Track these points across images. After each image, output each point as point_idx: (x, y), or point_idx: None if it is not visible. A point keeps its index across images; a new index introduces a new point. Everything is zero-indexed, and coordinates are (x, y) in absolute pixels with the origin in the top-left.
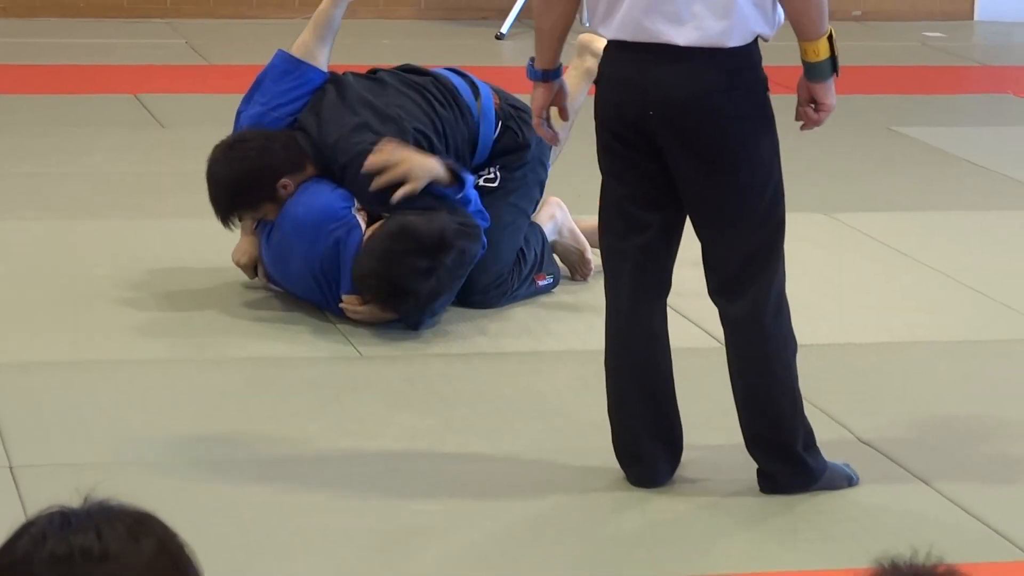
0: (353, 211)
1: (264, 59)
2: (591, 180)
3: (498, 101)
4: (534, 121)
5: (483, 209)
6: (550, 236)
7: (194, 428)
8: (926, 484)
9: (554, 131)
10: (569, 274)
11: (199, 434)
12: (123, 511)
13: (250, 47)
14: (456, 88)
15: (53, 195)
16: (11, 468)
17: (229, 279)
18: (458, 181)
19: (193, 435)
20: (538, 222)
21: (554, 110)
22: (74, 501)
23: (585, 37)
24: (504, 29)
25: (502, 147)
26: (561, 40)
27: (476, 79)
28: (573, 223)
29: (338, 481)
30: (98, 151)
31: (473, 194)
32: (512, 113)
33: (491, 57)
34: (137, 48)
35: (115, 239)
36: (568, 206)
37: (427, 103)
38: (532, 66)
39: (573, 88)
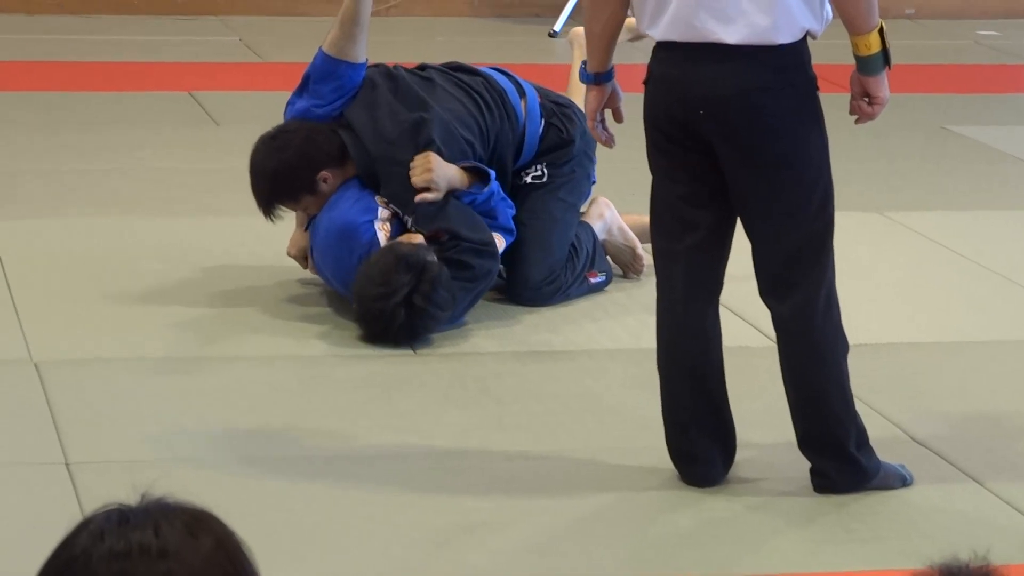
0: (376, 226)
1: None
2: (642, 180)
3: (541, 99)
4: (588, 124)
5: (511, 227)
6: (600, 235)
7: (246, 425)
8: (980, 484)
9: (609, 133)
10: (622, 272)
11: (252, 431)
12: (180, 508)
13: (304, 44)
14: (504, 90)
15: (106, 192)
16: (67, 465)
17: (281, 276)
18: (481, 178)
19: (246, 432)
20: (588, 221)
21: (609, 112)
22: (131, 498)
23: (575, 33)
24: (557, 27)
25: (547, 144)
26: (612, 43)
27: (520, 79)
28: (622, 221)
29: (390, 478)
30: (151, 148)
31: (496, 186)
32: (555, 110)
33: (543, 55)
34: (191, 45)
35: (168, 236)
36: (619, 206)
37: (475, 105)
38: (584, 69)
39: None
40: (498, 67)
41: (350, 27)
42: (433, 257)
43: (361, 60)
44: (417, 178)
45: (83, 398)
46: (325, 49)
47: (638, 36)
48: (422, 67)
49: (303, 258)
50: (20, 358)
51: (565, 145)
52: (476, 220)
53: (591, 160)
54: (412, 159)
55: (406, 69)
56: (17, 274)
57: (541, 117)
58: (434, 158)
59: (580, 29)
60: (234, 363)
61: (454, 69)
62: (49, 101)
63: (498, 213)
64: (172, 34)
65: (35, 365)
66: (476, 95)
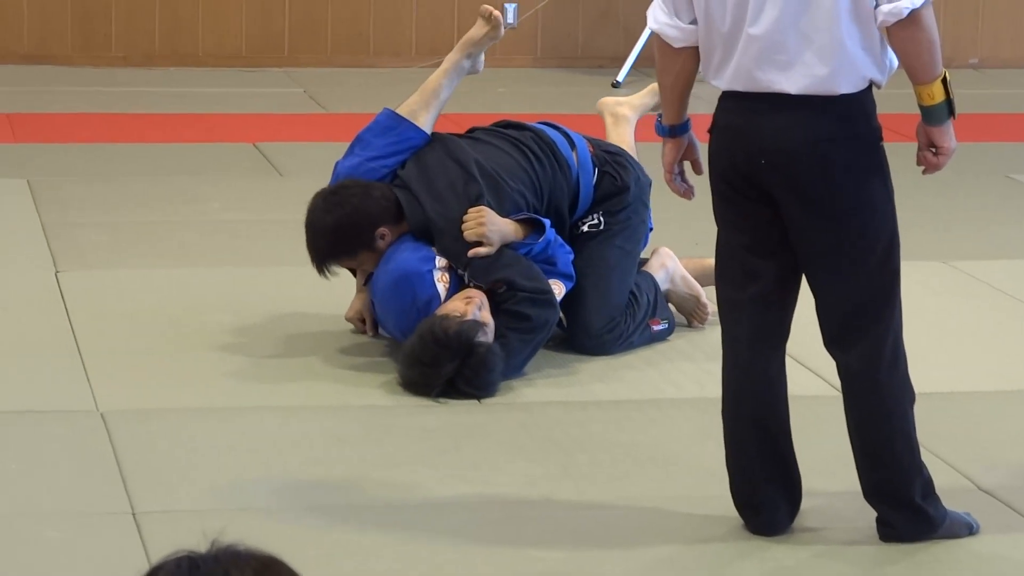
0: (435, 277)
1: (381, 107)
2: (705, 229)
3: (592, 149)
4: (665, 176)
5: (571, 272)
6: (663, 285)
7: (314, 474)
8: None
9: (688, 185)
10: (686, 321)
11: (318, 480)
12: (250, 555)
13: (367, 95)
14: (553, 141)
15: (171, 242)
16: (134, 514)
17: (346, 326)
18: (536, 228)
19: (312, 481)
20: (650, 271)
21: (687, 164)
22: (200, 546)
23: (602, 104)
24: (620, 77)
25: (602, 193)
26: (685, 95)
27: (569, 130)
28: (684, 271)
29: (456, 528)
30: (216, 199)
31: (552, 234)
32: (607, 158)
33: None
34: (255, 97)
35: (233, 286)
36: (682, 256)
37: (525, 158)
38: (660, 122)
39: (629, 141)
40: (546, 120)
41: (429, 97)
42: (483, 337)
43: (426, 129)
44: (470, 232)
45: (149, 448)
46: (394, 109)
47: (658, 105)
48: (471, 131)
49: (360, 320)
50: (87, 408)
51: (620, 192)
52: (532, 269)
53: (646, 206)
54: (464, 214)
55: (454, 134)
56: (83, 325)
57: (594, 166)
58: (486, 212)
59: (608, 100)
60: (300, 412)
61: (502, 127)
62: (115, 152)
63: (557, 259)
64: (236, 85)
65: (101, 415)
66: (526, 148)
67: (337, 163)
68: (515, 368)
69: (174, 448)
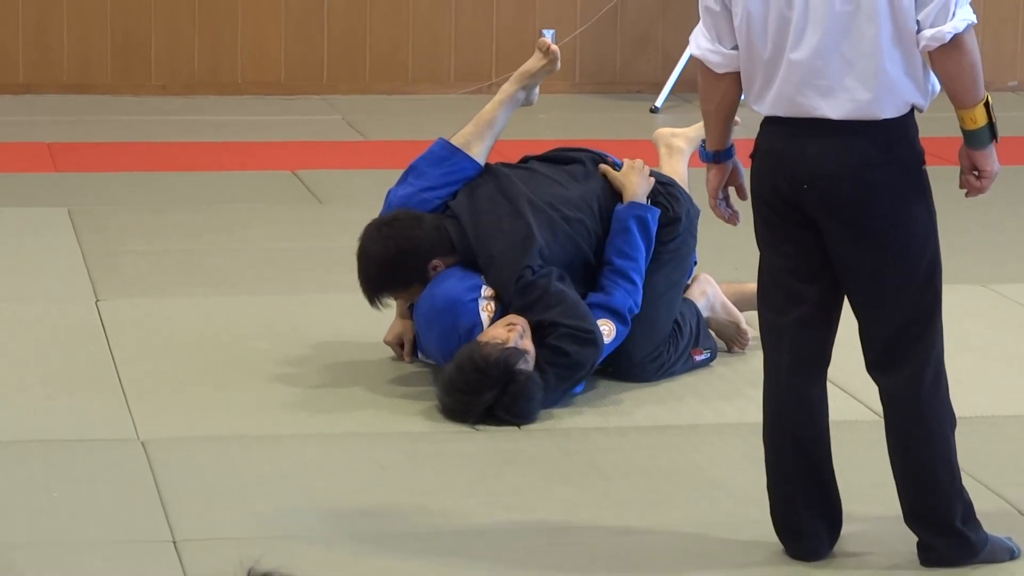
0: (480, 304)
1: (420, 134)
2: (746, 255)
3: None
4: (709, 202)
5: (624, 311)
6: (703, 312)
7: (354, 502)
8: None
9: (733, 210)
10: (727, 347)
11: (359, 508)
12: None
13: (406, 122)
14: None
15: (213, 270)
16: (175, 543)
17: (386, 353)
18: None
19: (353, 509)
20: (690, 299)
21: (732, 189)
22: (238, 573)
23: (658, 135)
24: (658, 103)
25: None
26: (729, 120)
27: (618, 160)
28: (724, 297)
29: (498, 554)
30: (257, 227)
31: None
32: (660, 189)
33: (646, 130)
34: (294, 124)
35: (274, 314)
36: (726, 280)
37: (581, 187)
38: (704, 148)
39: (682, 173)
40: (595, 151)
41: (484, 128)
42: (525, 364)
43: (479, 160)
44: (501, 331)
45: (190, 476)
46: (448, 139)
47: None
48: (524, 160)
49: (399, 344)
50: (127, 437)
51: (671, 223)
52: (579, 307)
53: (694, 236)
54: (509, 249)
55: (508, 165)
56: (124, 353)
57: (647, 197)
58: (520, 325)
59: (663, 131)
60: (341, 440)
61: (554, 158)
62: (155, 181)
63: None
64: (276, 113)
65: (142, 443)
66: (581, 175)
67: (390, 191)
68: (551, 403)
69: (215, 476)
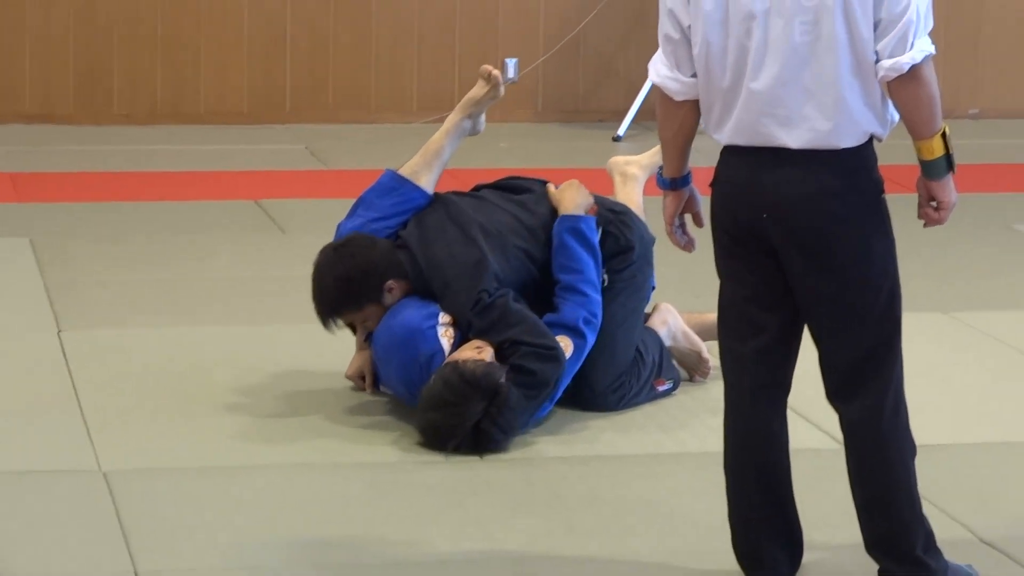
0: (439, 331)
1: (383, 163)
2: (707, 282)
3: (596, 208)
4: (666, 229)
5: (580, 327)
6: (666, 342)
7: (317, 532)
8: None
9: (689, 237)
10: (688, 376)
11: (322, 538)
12: None
13: (369, 151)
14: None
15: (176, 300)
16: (136, 574)
17: (348, 383)
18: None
19: (316, 539)
20: (652, 328)
21: (688, 217)
22: None
23: (612, 163)
24: (621, 131)
25: (607, 252)
26: (686, 148)
27: None
28: (686, 326)
29: None
30: (220, 256)
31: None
32: (612, 218)
33: (608, 159)
34: (257, 154)
35: (237, 343)
36: (684, 309)
37: (530, 217)
38: (660, 175)
39: (636, 200)
40: (545, 181)
41: (431, 158)
42: (503, 377)
43: (428, 190)
44: (472, 352)
45: (152, 507)
46: (396, 171)
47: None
48: (476, 188)
49: (360, 378)
50: (89, 468)
51: (624, 251)
52: (539, 326)
53: (650, 264)
54: (461, 275)
55: (458, 193)
56: (86, 384)
57: (598, 225)
58: (487, 352)
59: (617, 159)
60: (304, 470)
61: (506, 187)
62: (118, 211)
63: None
64: (239, 143)
65: (104, 475)
66: (530, 206)
67: (340, 224)
68: (520, 424)
69: (177, 507)
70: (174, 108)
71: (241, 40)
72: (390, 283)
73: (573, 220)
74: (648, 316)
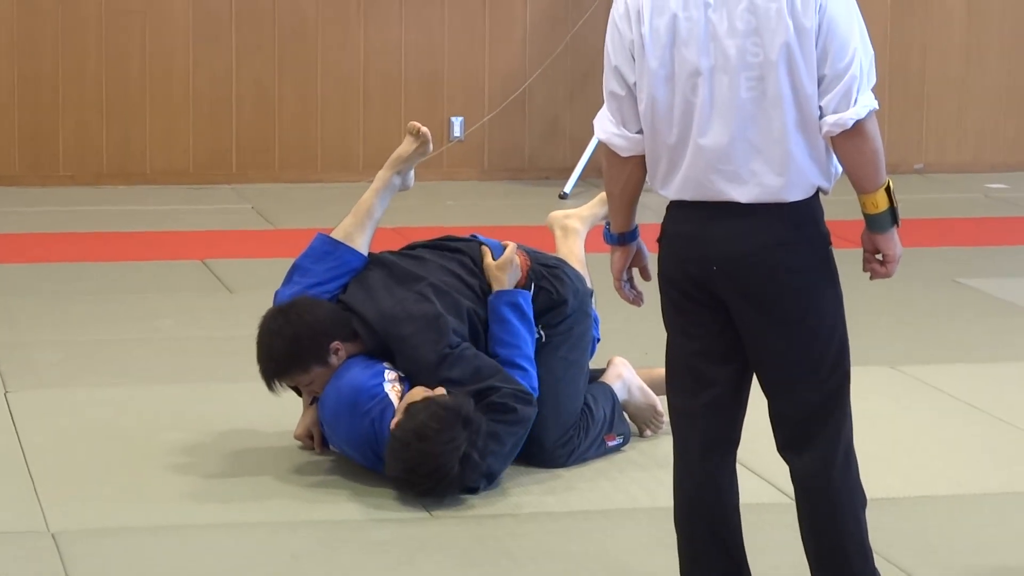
0: (385, 387)
1: (330, 222)
2: (656, 337)
3: (527, 265)
4: (614, 284)
5: (532, 387)
6: (620, 396)
7: None
8: None
9: (637, 292)
10: (638, 431)
11: None
12: None
13: (316, 210)
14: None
15: (123, 361)
16: None
17: (296, 442)
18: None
19: None
20: (607, 383)
21: (636, 271)
22: None
23: (552, 218)
24: (567, 188)
25: (540, 307)
26: (633, 203)
27: (499, 244)
28: (640, 381)
29: None
30: (167, 317)
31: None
32: (544, 272)
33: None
34: (203, 214)
35: (184, 404)
36: (635, 364)
37: (468, 272)
38: (608, 230)
39: (578, 254)
40: (478, 235)
41: (363, 218)
42: (473, 408)
43: (363, 252)
44: (422, 393)
45: (101, 568)
46: (329, 235)
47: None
48: (411, 247)
49: (308, 437)
50: (37, 529)
51: (557, 306)
52: (511, 375)
53: (588, 315)
54: (417, 331)
55: (394, 252)
56: (33, 444)
57: (530, 281)
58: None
59: (557, 213)
60: (254, 529)
61: (440, 245)
62: (64, 272)
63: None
64: (184, 203)
65: (52, 536)
66: (467, 265)
67: (277, 292)
68: (502, 458)
69: (127, 568)
70: (120, 169)
71: (187, 100)
72: (336, 344)
73: (510, 295)
74: (602, 371)
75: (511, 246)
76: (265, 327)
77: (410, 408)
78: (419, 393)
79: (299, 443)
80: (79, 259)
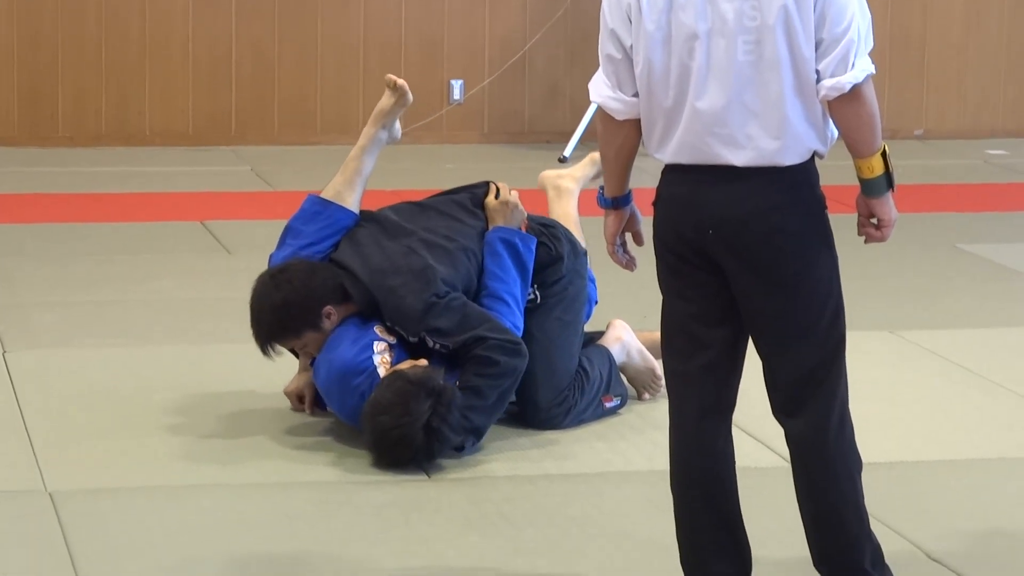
0: (375, 360)
1: (328, 184)
2: (653, 301)
3: (526, 223)
4: (607, 248)
5: (515, 325)
6: (619, 358)
7: (262, 552)
8: None
9: (630, 256)
10: (637, 394)
11: (267, 558)
12: None
13: (314, 172)
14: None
15: (121, 322)
16: None
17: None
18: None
19: (261, 559)
20: (605, 345)
21: (629, 235)
22: None
23: (544, 178)
24: (567, 152)
25: (538, 262)
26: (628, 167)
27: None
28: (640, 344)
29: None
30: (165, 278)
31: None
32: (541, 229)
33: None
34: (203, 175)
35: (182, 365)
36: (634, 327)
37: (469, 215)
38: (602, 194)
39: (572, 214)
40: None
41: (352, 176)
42: (445, 380)
43: (354, 210)
44: (405, 366)
45: (98, 527)
46: (319, 195)
47: (599, 174)
48: (407, 203)
49: (299, 399)
50: (35, 488)
51: (554, 262)
52: (500, 322)
53: (582, 277)
54: (406, 284)
55: (389, 207)
56: (31, 404)
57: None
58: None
59: (548, 173)
60: (249, 490)
61: (449, 192)
62: (62, 233)
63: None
64: (183, 164)
65: (50, 495)
66: (468, 204)
67: (271, 256)
68: (486, 412)
69: (123, 528)
70: (119, 130)
71: (186, 62)
72: (328, 309)
73: (509, 232)
74: (601, 334)
75: (514, 191)
76: (257, 293)
77: (380, 382)
78: (404, 367)
79: (290, 403)
80: (77, 220)
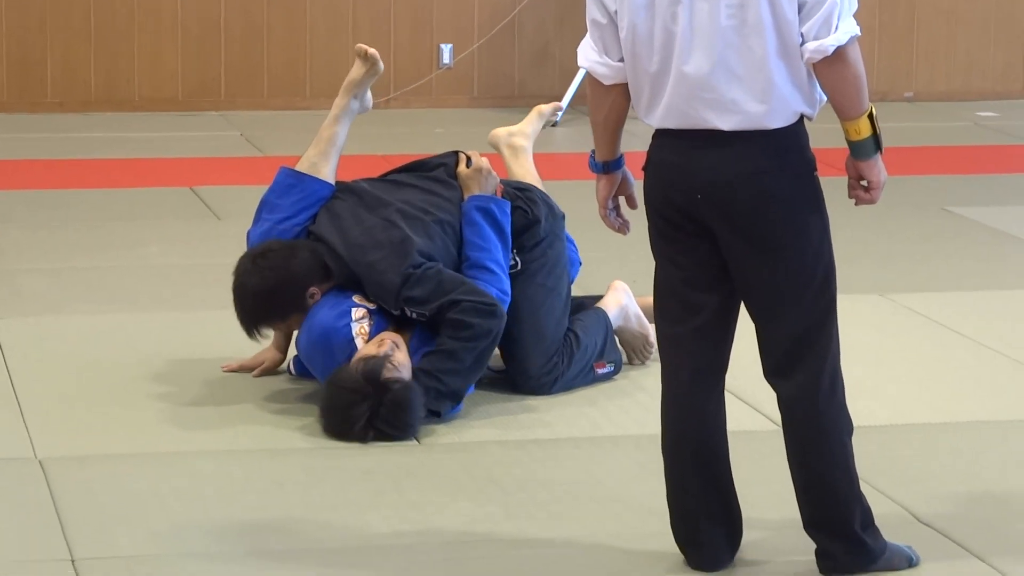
0: (353, 329)
1: None
2: (645, 266)
3: (501, 188)
4: (600, 212)
5: (502, 290)
6: (616, 322)
7: (252, 518)
8: (986, 564)
9: (623, 220)
10: (627, 359)
11: (258, 524)
12: None
13: (304, 137)
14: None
15: (110, 288)
16: (72, 561)
17: (284, 370)
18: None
19: (252, 525)
20: (604, 308)
21: (622, 199)
22: None
23: (495, 137)
24: (557, 117)
25: (515, 227)
26: (618, 131)
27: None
28: (639, 308)
29: (398, 569)
30: (154, 244)
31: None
32: (517, 194)
33: (544, 144)
34: (192, 141)
35: (172, 331)
36: None
37: (444, 187)
38: (593, 159)
39: (531, 170)
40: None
41: (326, 146)
42: (394, 372)
43: (330, 181)
44: (372, 348)
45: (88, 494)
46: (292, 167)
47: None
48: (387, 174)
49: (250, 367)
50: (24, 455)
51: (532, 225)
52: (475, 285)
53: (561, 238)
54: (384, 256)
55: (367, 180)
56: (21, 371)
57: (505, 198)
58: (392, 339)
59: (499, 131)
60: (239, 456)
61: (418, 166)
62: (52, 199)
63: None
64: (173, 130)
65: (39, 462)
66: (443, 176)
67: (248, 232)
68: (462, 375)
69: (113, 494)
70: (108, 95)
71: (175, 27)
72: (312, 289)
73: (484, 200)
74: (600, 297)
75: (484, 158)
76: (240, 277)
77: (336, 370)
78: (365, 351)
79: (286, 369)
80: (67, 186)
